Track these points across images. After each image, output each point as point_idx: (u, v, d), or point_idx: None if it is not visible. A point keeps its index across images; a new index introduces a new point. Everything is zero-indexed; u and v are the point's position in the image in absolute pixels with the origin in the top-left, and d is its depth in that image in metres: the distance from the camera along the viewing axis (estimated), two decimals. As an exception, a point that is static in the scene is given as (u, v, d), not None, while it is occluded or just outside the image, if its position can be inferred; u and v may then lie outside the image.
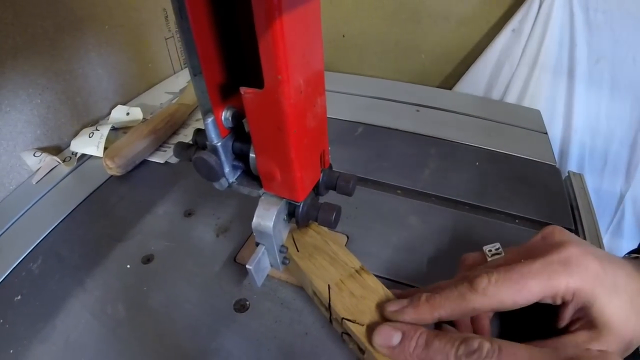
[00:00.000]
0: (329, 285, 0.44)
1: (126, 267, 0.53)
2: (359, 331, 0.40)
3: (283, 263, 0.46)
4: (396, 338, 0.37)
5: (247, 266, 0.42)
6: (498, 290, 0.36)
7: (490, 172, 0.70)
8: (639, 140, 1.05)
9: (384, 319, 0.40)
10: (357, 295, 0.43)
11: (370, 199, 0.64)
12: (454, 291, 0.38)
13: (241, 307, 0.49)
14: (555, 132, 1.10)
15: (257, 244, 0.44)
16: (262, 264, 0.45)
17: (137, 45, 0.91)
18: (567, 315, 0.39)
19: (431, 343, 0.35)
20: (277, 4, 0.28)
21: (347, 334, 0.42)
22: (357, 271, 0.45)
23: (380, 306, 0.41)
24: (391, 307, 0.40)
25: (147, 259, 0.54)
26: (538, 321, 0.41)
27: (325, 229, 0.49)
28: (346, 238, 0.57)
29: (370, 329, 0.39)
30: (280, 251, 0.45)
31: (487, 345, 0.33)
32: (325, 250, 0.47)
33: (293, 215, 0.43)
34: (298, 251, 0.47)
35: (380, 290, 0.43)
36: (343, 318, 0.41)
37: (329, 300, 0.43)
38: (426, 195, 0.65)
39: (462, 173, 0.70)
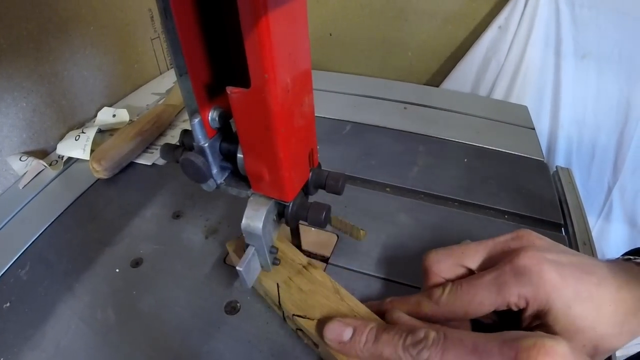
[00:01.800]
0: (277, 284, 0.44)
1: (115, 271, 0.53)
2: (310, 326, 0.41)
3: (273, 264, 0.46)
4: (347, 333, 0.38)
5: (237, 268, 0.42)
6: (449, 300, 0.39)
7: (479, 169, 0.70)
8: (626, 134, 1.06)
9: (335, 311, 0.41)
10: (306, 290, 0.44)
11: (360, 197, 0.64)
12: (413, 297, 0.41)
13: (232, 309, 0.48)
14: (542, 128, 1.11)
15: (247, 245, 0.44)
16: (252, 265, 0.44)
17: (123, 46, 0.90)
18: (525, 320, 0.39)
19: (380, 336, 0.36)
20: (263, 3, 0.28)
21: (301, 329, 0.43)
22: (304, 267, 0.46)
23: (329, 299, 0.43)
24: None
25: (136, 263, 0.54)
26: (508, 323, 0.41)
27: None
28: (336, 237, 0.57)
29: (322, 323, 0.40)
30: (270, 252, 0.45)
31: (432, 334, 0.34)
32: (281, 249, 0.48)
33: (282, 215, 0.43)
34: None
35: (328, 283, 0.44)
36: (293, 314, 0.42)
37: (279, 298, 0.43)
38: (415, 193, 0.65)
39: (450, 170, 0.70)
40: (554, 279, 0.36)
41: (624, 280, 0.38)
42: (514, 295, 0.37)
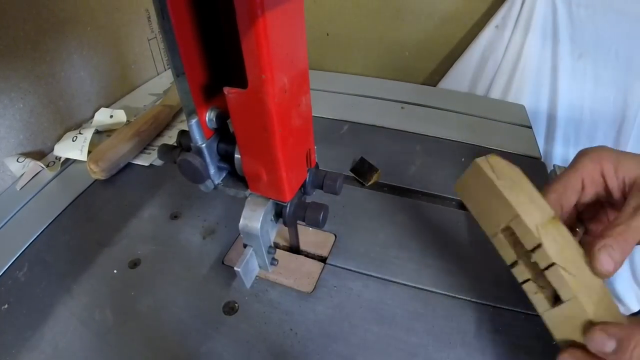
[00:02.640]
0: (537, 226, 0.39)
1: (113, 272, 0.53)
2: (570, 280, 0.38)
3: (271, 264, 0.46)
4: (610, 346, 0.36)
5: (235, 268, 0.42)
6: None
7: (477, 168, 0.70)
8: (623, 133, 1.06)
9: (584, 272, 0.39)
10: (560, 243, 0.39)
11: (357, 197, 0.64)
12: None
13: (230, 309, 0.48)
14: (539, 127, 1.11)
15: (245, 246, 0.44)
16: (250, 265, 0.45)
17: (120, 46, 0.90)
18: (613, 184, 0.44)
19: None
20: (260, 3, 0.28)
21: (536, 282, 0.40)
22: (553, 218, 0.41)
23: (577, 257, 0.39)
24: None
25: (134, 264, 0.54)
26: None
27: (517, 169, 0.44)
28: (334, 237, 0.57)
29: (578, 279, 0.38)
30: (269, 252, 0.45)
31: None
32: (522, 187, 0.42)
33: (280, 215, 0.43)
34: (499, 180, 0.42)
35: (573, 242, 0.40)
36: (555, 264, 0.38)
37: (540, 242, 0.39)
38: (413, 192, 0.66)
39: (448, 169, 0.70)
40: (608, 148, 0.44)
41: None
42: (588, 164, 0.44)
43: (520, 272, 0.41)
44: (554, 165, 0.74)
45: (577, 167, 0.44)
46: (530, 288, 0.41)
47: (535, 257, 0.39)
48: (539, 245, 0.38)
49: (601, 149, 0.45)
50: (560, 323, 0.39)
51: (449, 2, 1.06)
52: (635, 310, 0.82)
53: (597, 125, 1.08)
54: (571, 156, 1.15)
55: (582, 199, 0.45)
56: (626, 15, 0.94)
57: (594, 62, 1.01)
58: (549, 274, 0.38)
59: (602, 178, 0.44)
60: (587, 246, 0.39)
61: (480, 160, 0.43)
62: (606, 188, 0.44)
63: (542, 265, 0.39)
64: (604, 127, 1.08)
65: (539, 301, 0.40)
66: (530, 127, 0.83)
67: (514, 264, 0.42)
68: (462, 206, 0.63)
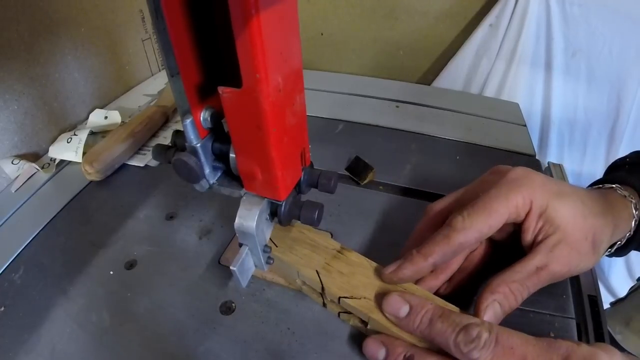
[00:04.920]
0: (317, 271, 0.45)
1: (109, 274, 0.53)
2: (359, 304, 0.42)
3: (267, 263, 0.46)
4: (404, 310, 0.39)
5: (231, 267, 0.42)
6: (472, 222, 0.42)
7: (471, 166, 0.71)
8: (617, 130, 1.07)
9: (379, 288, 0.43)
10: (346, 273, 0.45)
11: (352, 195, 0.64)
12: (438, 236, 0.43)
13: (227, 309, 0.48)
14: (534, 124, 1.12)
15: (241, 245, 0.44)
16: (246, 264, 0.45)
17: (114, 47, 0.90)
18: (531, 226, 0.43)
19: (434, 323, 0.38)
20: (254, 3, 0.28)
21: (345, 312, 0.44)
22: (338, 251, 0.47)
23: (370, 277, 0.44)
24: (388, 269, 0.43)
25: (130, 265, 0.54)
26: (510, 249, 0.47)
27: (297, 222, 0.50)
28: (329, 235, 0.57)
29: (369, 300, 0.42)
30: (264, 251, 0.45)
31: (485, 335, 0.35)
32: (303, 239, 0.49)
33: (275, 214, 0.43)
34: (277, 246, 0.48)
35: (365, 263, 0.46)
36: (340, 297, 0.42)
37: (321, 284, 0.44)
38: (408, 191, 0.66)
39: (443, 167, 0.70)
40: (542, 180, 0.44)
41: (596, 194, 0.47)
42: (519, 199, 0.42)
43: (332, 309, 0.47)
44: (548, 163, 0.75)
45: (509, 198, 0.43)
46: (345, 318, 0.46)
47: (327, 296, 0.45)
48: (323, 287, 0.44)
49: (532, 180, 0.44)
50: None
51: (443, 1, 1.07)
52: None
53: (590, 122, 1.09)
54: (566, 154, 1.16)
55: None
56: (619, 12, 0.94)
57: (587, 60, 1.01)
58: (343, 305, 0.43)
59: (524, 216, 0.43)
60: (477, 296, 0.41)
61: None
62: (521, 225, 0.44)
63: (335, 300, 0.44)
64: (597, 124, 1.08)
65: (356, 326, 0.45)
66: (524, 125, 0.84)
67: (324, 305, 0.48)
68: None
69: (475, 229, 0.42)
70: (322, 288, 0.44)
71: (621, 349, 0.68)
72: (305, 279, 0.46)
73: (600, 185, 0.51)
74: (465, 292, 0.48)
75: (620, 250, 0.50)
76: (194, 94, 0.38)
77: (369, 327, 0.43)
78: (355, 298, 0.42)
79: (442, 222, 0.44)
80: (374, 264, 0.46)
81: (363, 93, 0.94)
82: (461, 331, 0.36)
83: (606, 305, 0.70)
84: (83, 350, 0.45)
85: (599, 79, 1.03)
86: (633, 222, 0.48)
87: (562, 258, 0.41)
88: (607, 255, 0.49)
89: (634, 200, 0.48)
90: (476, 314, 0.40)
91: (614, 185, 0.50)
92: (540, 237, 0.43)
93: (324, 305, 0.47)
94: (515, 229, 0.45)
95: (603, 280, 1.25)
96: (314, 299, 0.48)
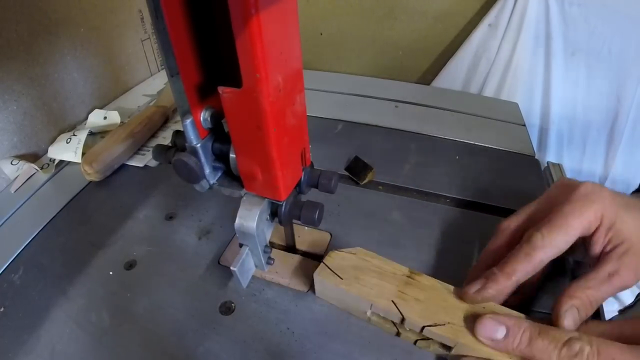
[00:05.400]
0: (393, 301, 0.43)
1: (109, 274, 0.53)
2: (444, 331, 0.41)
3: (268, 263, 0.46)
4: (500, 332, 0.39)
5: (232, 268, 0.42)
6: (552, 238, 0.42)
7: (470, 166, 0.71)
8: (616, 129, 1.07)
9: (461, 311, 0.42)
10: (423, 299, 0.43)
11: (352, 195, 0.64)
12: (519, 254, 0.43)
13: (227, 309, 0.48)
14: (533, 124, 1.12)
15: (241, 245, 0.44)
16: (246, 265, 0.45)
17: (113, 47, 0.90)
18: (600, 239, 0.44)
19: (534, 341, 0.38)
20: (254, 3, 0.28)
21: (424, 339, 0.43)
22: (408, 276, 0.45)
23: (448, 300, 0.43)
24: (472, 289, 0.43)
25: (130, 265, 0.54)
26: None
27: (358, 248, 0.48)
28: (329, 236, 0.57)
29: (454, 325, 0.41)
30: (264, 251, 0.45)
31: (587, 348, 0.36)
32: (368, 267, 0.46)
33: (276, 214, 0.43)
34: (341, 278, 0.45)
35: (438, 286, 0.45)
36: (424, 326, 0.41)
37: (401, 315, 0.42)
38: (408, 190, 0.66)
39: (442, 167, 0.70)
40: (611, 195, 0.44)
41: None
42: (592, 213, 0.43)
43: (407, 338, 0.45)
44: (547, 163, 0.75)
45: (583, 214, 0.43)
46: (423, 345, 0.44)
47: (407, 325, 0.43)
48: (403, 317, 0.42)
49: (602, 196, 0.44)
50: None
51: (442, 1, 1.07)
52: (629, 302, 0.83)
53: (590, 122, 1.09)
54: (565, 153, 1.16)
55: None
56: (618, 12, 0.94)
57: (586, 60, 1.01)
58: (426, 333, 0.42)
59: (594, 229, 0.44)
60: (555, 303, 0.42)
61: (320, 268, 0.47)
62: (589, 237, 0.45)
63: (416, 329, 0.42)
64: (597, 124, 1.08)
65: (436, 351, 0.44)
66: (523, 125, 0.84)
67: (398, 334, 0.45)
68: (457, 204, 0.63)
69: (554, 246, 0.42)
70: (402, 319, 0.42)
71: None
72: (380, 310, 0.44)
73: None
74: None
75: None
76: (193, 94, 0.38)
77: (453, 352, 0.42)
78: (439, 325, 0.41)
79: (518, 240, 0.45)
80: (449, 286, 0.44)
81: (362, 93, 0.94)
82: (564, 346, 0.37)
83: (615, 314, 0.70)
84: (83, 351, 0.45)
85: (598, 78, 1.03)
86: None
87: (631, 265, 0.42)
88: None
89: None
90: (555, 319, 0.41)
91: None
92: (608, 248, 0.43)
93: (398, 334, 0.45)
94: (580, 242, 0.46)
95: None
96: (385, 330, 0.46)
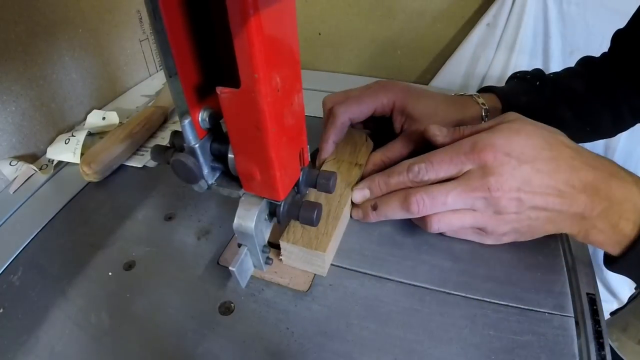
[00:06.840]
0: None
1: (108, 275, 0.53)
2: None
3: (266, 263, 0.46)
4: (366, 193, 0.56)
5: (230, 268, 0.42)
6: (347, 106, 0.60)
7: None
8: (614, 129, 1.06)
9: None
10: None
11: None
12: (327, 124, 0.62)
13: (226, 309, 0.48)
14: (532, 123, 1.11)
15: (240, 245, 0.44)
16: (245, 265, 0.45)
17: (112, 48, 0.90)
18: (397, 120, 0.63)
19: (389, 181, 0.53)
20: (252, 3, 0.28)
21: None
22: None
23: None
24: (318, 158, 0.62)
25: (129, 266, 0.54)
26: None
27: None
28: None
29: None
30: (263, 251, 0.45)
31: (422, 164, 0.49)
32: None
33: (274, 214, 0.43)
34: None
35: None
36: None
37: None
38: (407, 190, 0.66)
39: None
40: (404, 87, 0.63)
41: (453, 98, 0.66)
42: (384, 98, 0.61)
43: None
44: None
45: (377, 96, 0.62)
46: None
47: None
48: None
49: (396, 86, 0.63)
50: None
51: (441, 1, 1.07)
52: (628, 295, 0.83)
53: (588, 121, 1.08)
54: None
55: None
56: (617, 11, 0.94)
57: (584, 59, 1.01)
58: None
59: (390, 112, 0.63)
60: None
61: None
62: (392, 117, 0.64)
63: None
64: (595, 123, 1.08)
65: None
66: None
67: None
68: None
69: (350, 112, 0.60)
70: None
71: (618, 357, 0.68)
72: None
73: (462, 94, 0.68)
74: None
75: None
76: (192, 94, 0.38)
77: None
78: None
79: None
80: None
81: (361, 93, 0.94)
82: (408, 173, 0.50)
83: (607, 316, 0.70)
84: (82, 352, 0.45)
85: (596, 78, 1.03)
86: (483, 114, 0.65)
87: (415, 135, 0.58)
88: None
89: (482, 101, 0.65)
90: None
91: (472, 94, 0.67)
92: (405, 127, 0.63)
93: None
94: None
95: (602, 280, 1.25)
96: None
